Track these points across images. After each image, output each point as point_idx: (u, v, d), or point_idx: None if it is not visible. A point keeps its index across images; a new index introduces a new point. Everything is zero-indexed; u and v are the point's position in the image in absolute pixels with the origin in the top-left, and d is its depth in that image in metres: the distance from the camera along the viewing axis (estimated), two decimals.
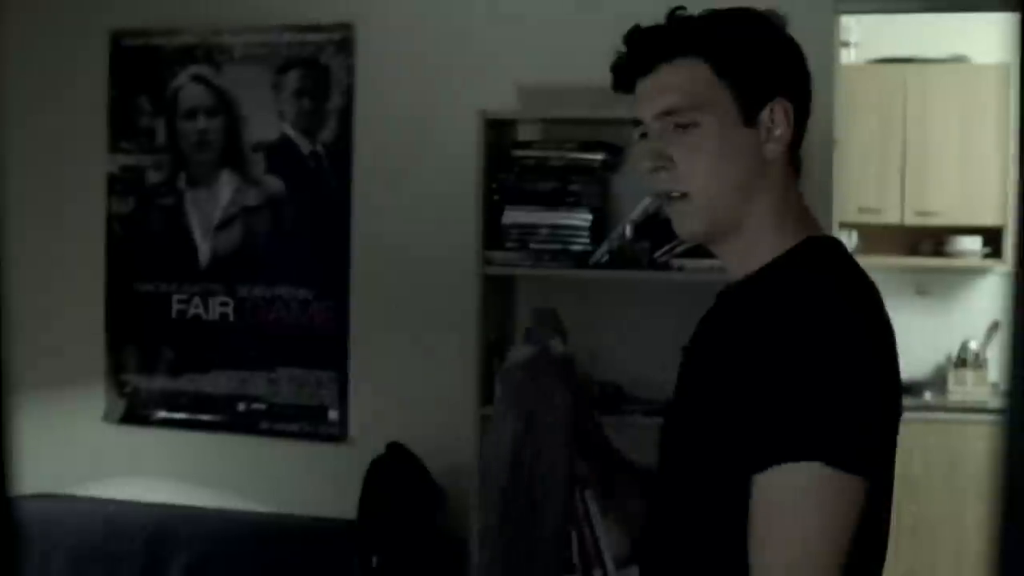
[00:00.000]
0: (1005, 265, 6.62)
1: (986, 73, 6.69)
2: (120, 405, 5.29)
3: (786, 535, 1.81)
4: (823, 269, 1.95)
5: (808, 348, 1.82)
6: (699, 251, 4.46)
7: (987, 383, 6.81)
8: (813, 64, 4.92)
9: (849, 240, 6.82)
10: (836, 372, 1.80)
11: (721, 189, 1.98)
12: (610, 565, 4.66)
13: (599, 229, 4.56)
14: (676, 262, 4.46)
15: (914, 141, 6.62)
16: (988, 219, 6.64)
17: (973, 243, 6.82)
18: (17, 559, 1.22)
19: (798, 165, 2.04)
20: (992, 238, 6.82)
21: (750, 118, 1.96)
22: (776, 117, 1.97)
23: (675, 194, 1.99)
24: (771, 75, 1.99)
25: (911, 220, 6.63)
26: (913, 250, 6.83)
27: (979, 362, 6.86)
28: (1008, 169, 6.69)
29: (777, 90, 1.98)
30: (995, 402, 6.50)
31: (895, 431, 1.91)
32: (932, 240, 6.92)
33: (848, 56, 6.90)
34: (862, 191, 6.63)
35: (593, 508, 4.69)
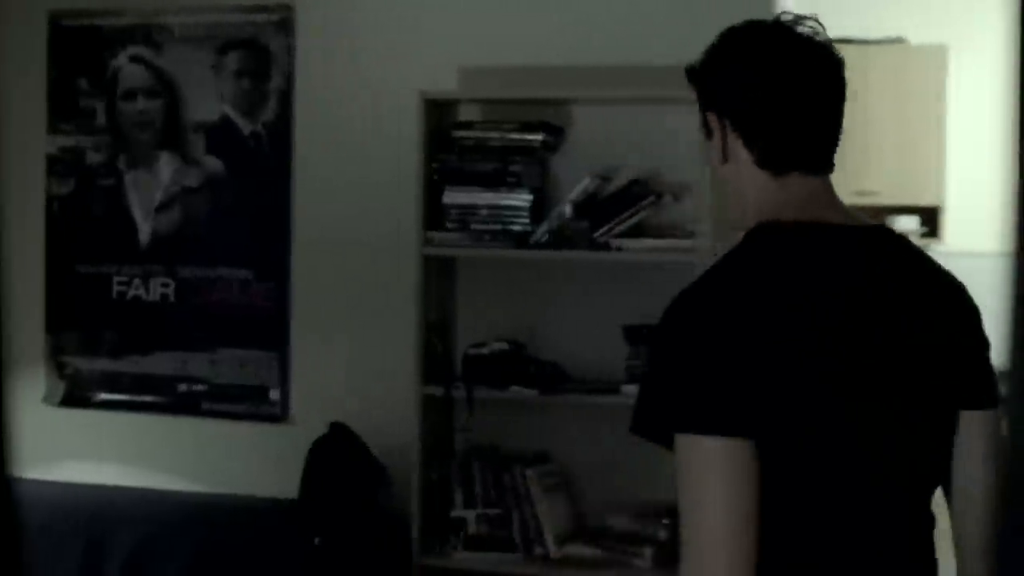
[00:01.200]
0: (942, 244, 6.70)
1: (923, 54, 6.76)
2: (61, 387, 5.28)
3: (681, 505, 2.00)
4: (729, 254, 2.18)
5: (661, 331, 2.12)
6: (638, 231, 4.52)
7: None
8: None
9: None
10: (677, 347, 2.06)
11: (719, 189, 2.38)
12: (551, 542, 4.75)
13: (539, 209, 4.59)
14: (615, 242, 4.50)
15: (852, 121, 6.66)
16: (925, 199, 6.71)
17: (910, 223, 6.89)
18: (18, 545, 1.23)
19: (772, 162, 2.19)
20: (929, 218, 6.90)
21: (708, 132, 2.26)
22: (711, 128, 2.24)
23: None
24: (707, 93, 2.25)
25: (849, 199, 6.57)
26: None
27: None
28: (944, 149, 6.77)
29: (710, 105, 2.24)
30: None
31: (797, 393, 2.03)
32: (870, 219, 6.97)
33: None
34: None
35: (534, 487, 4.77)
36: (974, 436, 2.19)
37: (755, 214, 2.19)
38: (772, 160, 2.18)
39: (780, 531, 2.02)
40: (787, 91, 2.17)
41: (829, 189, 2.23)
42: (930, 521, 2.22)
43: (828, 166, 2.23)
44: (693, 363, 2.02)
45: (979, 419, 2.19)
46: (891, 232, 2.27)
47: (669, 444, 2.02)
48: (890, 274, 2.17)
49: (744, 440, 1.96)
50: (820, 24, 2.20)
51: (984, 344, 2.24)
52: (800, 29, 2.19)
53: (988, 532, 2.17)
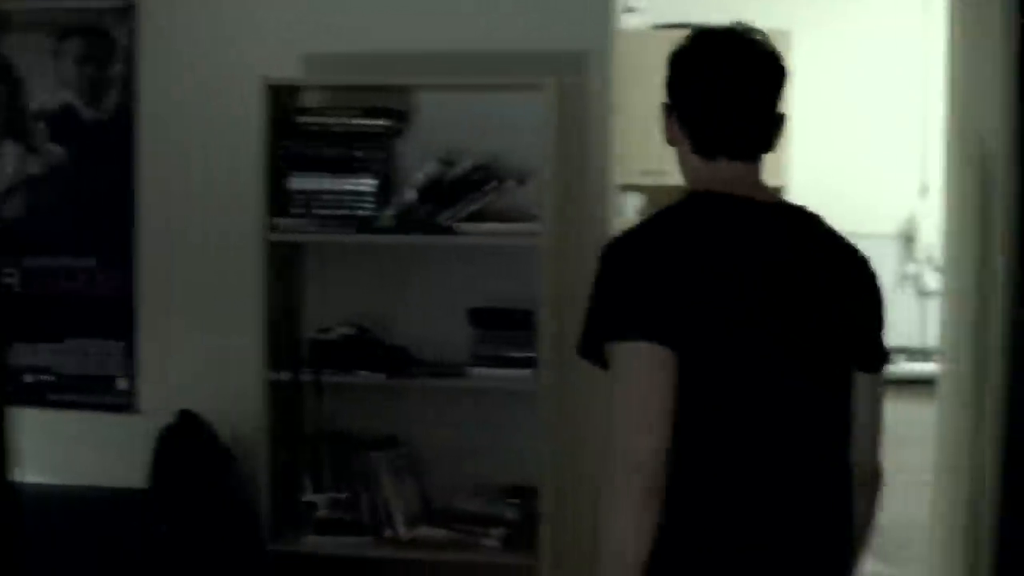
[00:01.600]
0: None
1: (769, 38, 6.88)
2: None
3: (613, 404, 2.38)
4: (662, 210, 2.55)
5: (599, 267, 2.49)
6: (482, 215, 4.56)
7: None
8: (590, 30, 5.02)
9: (635, 202, 6.98)
10: (611, 276, 2.45)
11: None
12: (400, 524, 4.78)
13: (384, 194, 4.62)
14: (459, 226, 4.54)
15: None
16: (769, 180, 6.81)
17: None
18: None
19: (702, 149, 2.59)
20: None
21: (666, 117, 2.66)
22: (661, 118, 2.64)
23: None
24: (665, 89, 2.63)
25: None
26: None
27: None
28: (787, 131, 6.88)
29: (665, 99, 2.63)
30: None
31: (714, 319, 2.39)
32: None
33: (633, 21, 7.04)
34: (646, 154, 6.76)
35: (382, 471, 4.80)
36: (862, 394, 2.59)
37: (684, 184, 2.62)
38: (702, 147, 2.58)
39: (694, 440, 2.37)
40: (713, 91, 2.55)
41: (754, 173, 2.61)
42: (838, 460, 2.56)
43: (754, 153, 2.61)
44: (625, 288, 2.42)
45: (868, 380, 2.60)
46: (807, 211, 2.63)
47: (605, 366, 2.42)
48: (803, 243, 2.53)
49: (665, 348, 2.34)
50: (763, 34, 2.61)
51: (879, 315, 2.64)
52: (748, 37, 2.59)
53: (870, 464, 2.66)
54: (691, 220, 2.50)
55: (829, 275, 2.54)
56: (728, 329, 2.40)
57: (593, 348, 2.45)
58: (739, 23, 2.61)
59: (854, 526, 2.62)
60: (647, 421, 2.34)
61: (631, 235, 2.51)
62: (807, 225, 2.58)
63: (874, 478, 2.70)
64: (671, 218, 2.51)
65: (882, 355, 2.65)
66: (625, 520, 2.34)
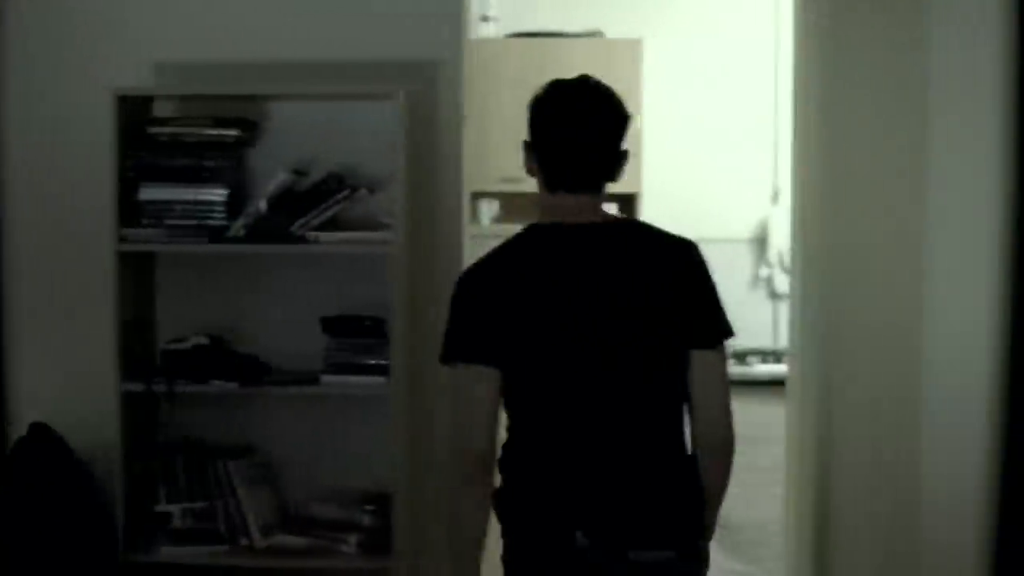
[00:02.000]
0: None
1: (620, 47, 7.00)
2: None
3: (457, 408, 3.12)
4: (503, 243, 3.13)
5: (453, 289, 3.14)
6: (334, 224, 4.60)
7: None
8: (442, 40, 5.07)
9: (490, 209, 7.04)
10: (453, 306, 3.11)
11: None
12: (256, 532, 4.79)
13: (235, 204, 4.63)
14: (311, 235, 4.57)
15: None
16: (622, 186, 6.90)
17: (609, 209, 7.11)
18: None
19: (547, 184, 3.10)
20: (626, 204, 7.16)
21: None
22: (524, 154, 3.14)
23: None
24: (528, 129, 3.13)
25: None
26: None
27: None
28: (640, 138, 7.01)
29: (527, 138, 3.13)
30: None
31: (526, 336, 3.02)
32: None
33: (488, 31, 7.11)
34: (503, 162, 6.83)
35: (238, 480, 4.80)
36: (703, 367, 3.06)
37: (540, 216, 3.11)
38: (547, 183, 3.10)
39: (519, 429, 3.10)
40: (556, 135, 3.07)
41: (590, 202, 3.10)
42: (659, 431, 3.09)
43: (590, 187, 3.09)
44: (458, 318, 3.09)
45: (706, 356, 3.07)
46: (633, 223, 3.25)
47: None
48: (622, 254, 3.06)
49: (488, 366, 3.03)
50: (607, 86, 3.09)
51: (707, 298, 3.10)
52: (594, 86, 3.08)
53: (717, 432, 3.10)
54: (519, 252, 3.10)
55: (649, 276, 3.06)
56: (539, 342, 3.03)
57: (446, 361, 3.11)
58: (587, 76, 3.12)
59: (701, 487, 3.12)
60: (471, 423, 3.05)
61: (473, 269, 3.16)
62: (631, 237, 3.12)
63: (723, 443, 3.12)
64: (505, 251, 3.12)
65: (715, 332, 3.10)
66: (460, 498, 3.08)
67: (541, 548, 3.04)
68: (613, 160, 3.09)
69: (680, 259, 3.10)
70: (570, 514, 3.01)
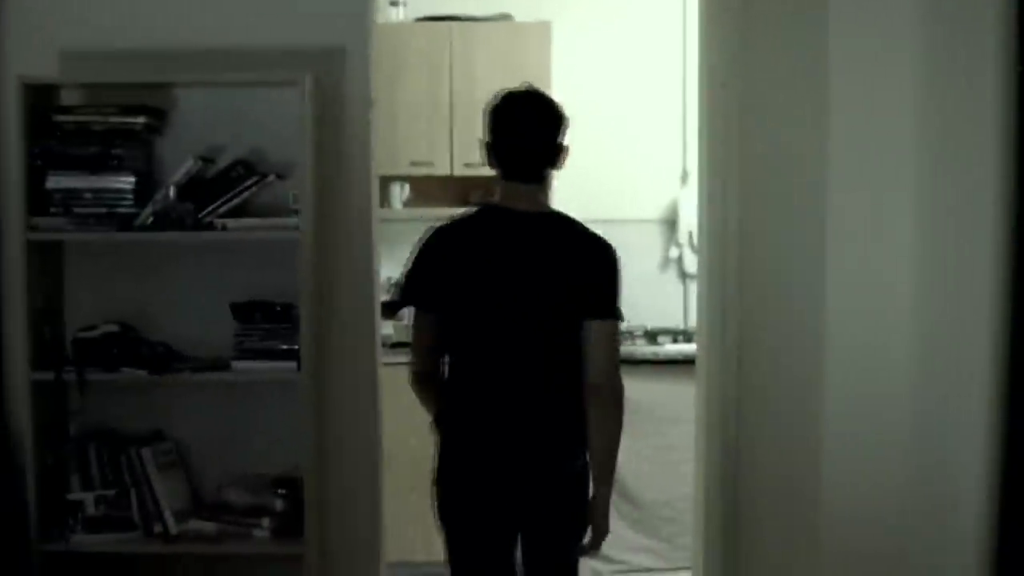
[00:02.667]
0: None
1: (528, 30, 7.01)
2: None
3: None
4: (461, 215, 4.00)
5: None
6: (242, 211, 4.62)
7: None
8: (349, 26, 5.07)
9: (402, 192, 7.05)
10: (412, 257, 3.93)
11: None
12: (170, 519, 4.81)
13: (144, 192, 4.64)
14: (220, 222, 4.59)
15: (461, 96, 6.89)
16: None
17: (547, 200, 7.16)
18: None
19: (501, 174, 3.92)
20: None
21: None
22: (484, 152, 3.95)
23: None
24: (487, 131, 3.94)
25: (460, 171, 6.87)
26: (463, 199, 7.07)
27: None
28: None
29: (487, 139, 3.92)
30: None
31: (462, 294, 3.86)
32: (481, 190, 7.20)
33: (397, 15, 7.12)
34: (413, 145, 6.87)
35: (150, 467, 4.81)
36: (594, 331, 3.82)
37: (498, 199, 3.90)
38: (503, 174, 3.91)
39: (454, 366, 3.93)
40: (505, 135, 3.87)
41: (532, 192, 3.90)
42: (554, 375, 3.87)
43: (533, 178, 3.89)
44: (414, 269, 3.92)
45: (597, 325, 3.82)
46: (557, 215, 3.93)
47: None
48: (543, 238, 3.85)
49: (428, 312, 3.94)
50: (548, 96, 3.92)
51: (606, 282, 3.85)
52: (537, 96, 3.90)
53: (602, 380, 3.81)
54: (471, 226, 3.93)
55: (560, 258, 3.85)
56: (471, 300, 3.86)
57: (401, 306, 4.12)
58: (532, 88, 3.91)
59: (586, 424, 3.86)
60: (415, 352, 4.03)
61: (437, 231, 3.93)
62: (559, 229, 3.89)
63: (609, 391, 3.85)
64: (462, 224, 3.95)
65: (608, 309, 3.85)
66: (417, 394, 4.02)
67: (460, 459, 3.90)
68: (553, 154, 3.90)
69: (596, 255, 3.88)
70: (485, 431, 3.88)
